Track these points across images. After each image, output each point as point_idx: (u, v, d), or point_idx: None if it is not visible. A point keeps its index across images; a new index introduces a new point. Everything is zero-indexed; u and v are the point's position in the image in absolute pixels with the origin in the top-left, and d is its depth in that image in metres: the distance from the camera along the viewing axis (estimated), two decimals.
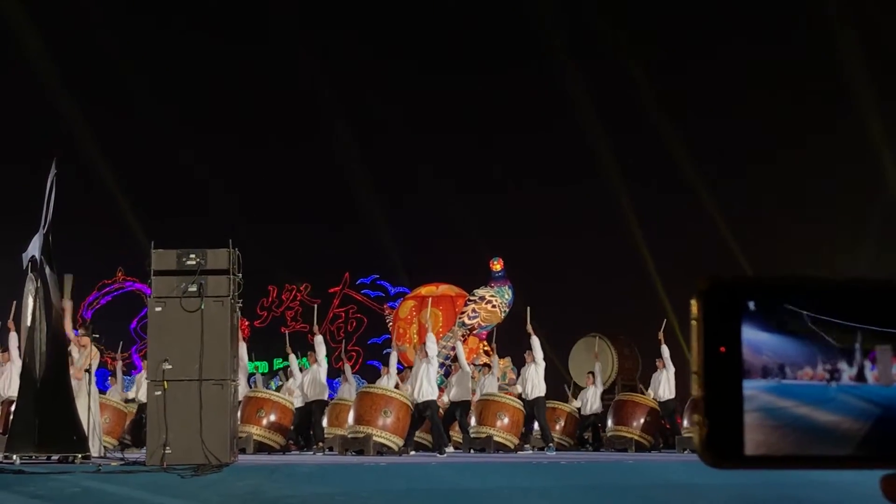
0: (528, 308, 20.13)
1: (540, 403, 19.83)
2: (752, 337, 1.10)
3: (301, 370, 21.02)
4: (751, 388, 1.09)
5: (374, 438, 17.08)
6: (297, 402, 19.93)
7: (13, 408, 14.39)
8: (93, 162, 30.30)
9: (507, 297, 27.42)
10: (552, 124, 31.24)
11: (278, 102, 32.78)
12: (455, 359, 21.03)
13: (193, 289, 12.31)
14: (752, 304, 1.12)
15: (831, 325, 1.11)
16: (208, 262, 12.49)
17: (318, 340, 20.09)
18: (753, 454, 1.12)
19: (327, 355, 31.59)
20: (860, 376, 1.12)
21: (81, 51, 31.11)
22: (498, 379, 23.08)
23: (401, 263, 32.38)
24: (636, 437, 20.54)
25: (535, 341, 19.93)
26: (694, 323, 1.14)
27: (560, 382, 23.95)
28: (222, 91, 32.58)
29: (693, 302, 1.14)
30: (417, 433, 18.80)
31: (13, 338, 18.08)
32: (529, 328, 19.93)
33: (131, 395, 21.28)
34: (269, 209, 32.31)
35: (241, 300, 12.92)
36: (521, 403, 19.80)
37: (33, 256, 13.36)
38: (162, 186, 31.64)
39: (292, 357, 21.52)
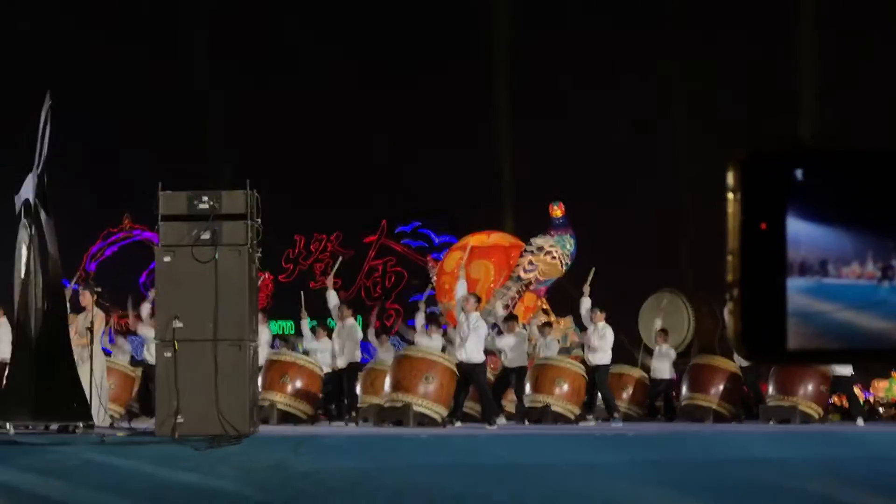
0: (593, 269, 20.10)
1: (603, 369, 19.80)
2: (792, 226, 1.06)
3: (330, 334, 20.87)
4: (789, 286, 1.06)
5: (415, 408, 17.09)
6: (327, 368, 19.93)
7: (6, 370, 14.53)
8: (95, 94, 30.43)
9: (568, 247, 27.31)
10: None
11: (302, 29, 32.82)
12: (509, 318, 21.01)
13: (206, 236, 12.29)
14: (799, 175, 1.06)
15: (888, 204, 1.05)
16: (223, 205, 12.45)
17: (329, 295, 20.09)
18: (798, 348, 1.07)
19: (362, 314, 31.85)
20: None
21: None
22: (558, 341, 23.05)
23: (446, 209, 32.27)
24: (714, 407, 20.46)
25: (586, 303, 20.01)
26: (730, 196, 1.10)
27: (627, 344, 23.85)
28: (242, 19, 32.60)
29: (729, 171, 1.10)
30: (466, 402, 18.81)
31: None
32: (586, 288, 19.98)
33: (138, 356, 21.40)
34: (296, 148, 32.33)
35: (260, 249, 12.89)
36: (584, 369, 19.76)
37: (27, 200, 13.38)
38: (175, 122, 31.78)
39: (304, 323, 21.48)
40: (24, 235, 13.42)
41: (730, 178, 1.08)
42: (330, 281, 20.37)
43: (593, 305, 20.29)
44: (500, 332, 20.56)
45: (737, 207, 1.06)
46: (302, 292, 22.80)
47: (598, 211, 29.24)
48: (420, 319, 21.01)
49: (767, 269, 1.06)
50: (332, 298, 20.32)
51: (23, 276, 13.27)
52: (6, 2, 31.11)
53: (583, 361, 20.15)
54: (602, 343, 19.74)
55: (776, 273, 1.06)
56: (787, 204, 1.06)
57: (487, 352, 19.11)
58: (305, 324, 21.50)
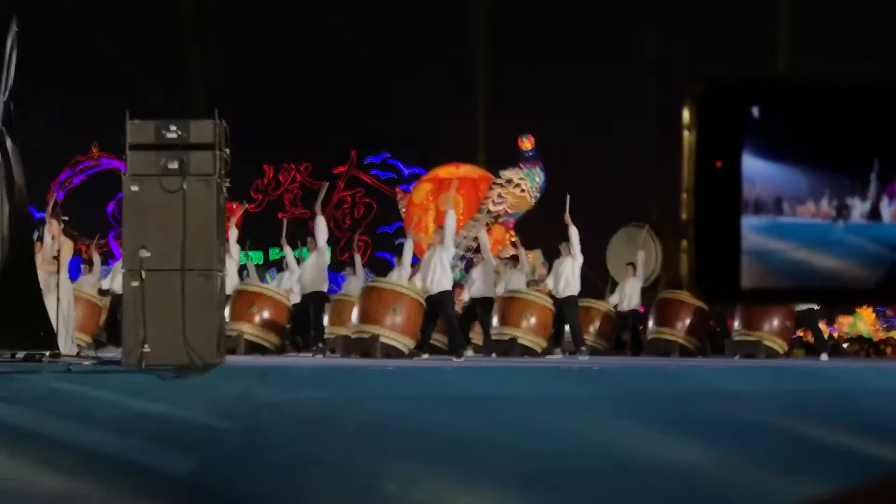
0: (568, 196, 20.02)
1: (571, 302, 19.82)
2: (747, 163, 1.06)
3: (299, 263, 20.89)
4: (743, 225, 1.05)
5: (382, 339, 17.14)
6: (295, 298, 19.94)
7: None
8: (67, 21, 30.19)
9: (538, 180, 27.35)
10: None
11: None
12: (477, 250, 21.03)
13: (174, 165, 12.25)
14: (755, 112, 1.06)
15: (847, 141, 1.04)
16: (191, 135, 12.40)
17: (320, 223, 19.87)
18: (751, 287, 1.07)
19: (330, 245, 31.86)
20: (874, 213, 1.07)
21: None
22: (526, 274, 23.10)
23: (415, 139, 32.21)
24: (681, 341, 20.58)
25: (574, 232, 19.82)
26: (686, 133, 1.09)
27: (595, 279, 23.89)
28: None
29: (685, 108, 1.09)
30: (433, 334, 18.86)
31: None
32: (568, 218, 19.83)
33: (105, 285, 21.38)
34: (262, 77, 32.17)
35: (228, 179, 12.86)
36: (551, 302, 19.81)
37: None
38: (145, 50, 31.56)
39: (287, 249, 21.47)
40: None
41: (685, 114, 1.08)
42: (318, 208, 20.28)
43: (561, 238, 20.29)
44: (467, 267, 20.60)
45: (692, 144, 1.06)
46: (285, 221, 22.85)
47: (568, 144, 29.20)
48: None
49: (722, 208, 1.06)
50: (322, 225, 20.12)
51: None
52: None
53: (550, 294, 20.19)
54: (572, 275, 19.77)
55: (730, 212, 1.06)
56: (743, 141, 1.06)
57: (454, 284, 19.14)
58: (289, 251, 21.44)
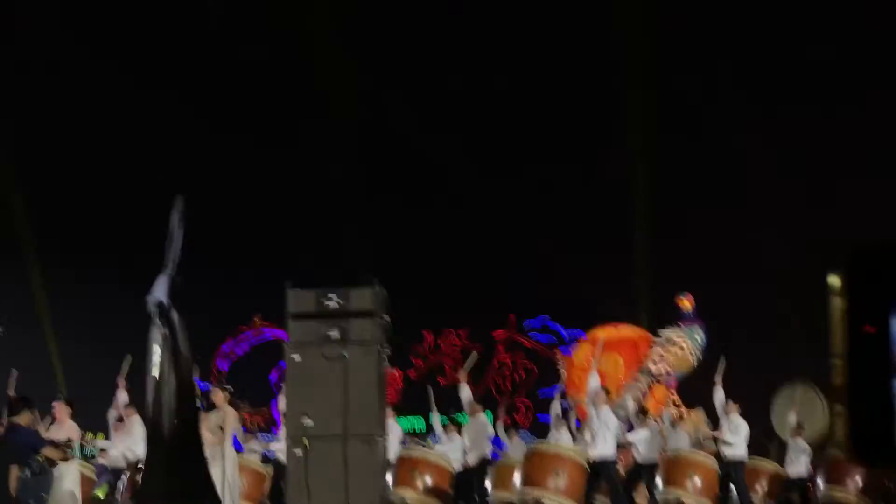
0: (722, 359, 19.87)
1: (738, 464, 19.57)
2: None
3: (460, 429, 20.91)
4: None
5: (546, 502, 17.01)
6: (458, 464, 19.90)
7: (141, 468, 14.76)
8: (225, 196, 31.01)
9: (698, 339, 27.13)
10: None
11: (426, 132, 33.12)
12: (639, 412, 20.86)
13: (335, 334, 12.42)
14: None
15: None
16: (351, 303, 12.60)
17: (463, 391, 20.09)
18: None
19: (491, 410, 31.79)
20: None
21: (211, 73, 31.99)
22: (689, 434, 22.80)
23: (574, 301, 32.19)
24: (853, 500, 20.03)
25: (719, 395, 19.78)
26: (836, 299, 1.11)
27: (762, 438, 23.46)
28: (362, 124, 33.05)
29: (834, 274, 1.11)
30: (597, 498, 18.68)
31: (122, 395, 18.75)
32: (718, 379, 19.74)
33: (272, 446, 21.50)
34: (420, 243, 32.54)
35: (389, 346, 12.99)
36: (716, 462, 19.51)
37: (159, 300, 13.63)
38: (301, 222, 32.18)
39: (435, 417, 21.51)
40: (156, 336, 13.65)
41: (834, 281, 1.11)
42: (463, 376, 20.38)
43: (727, 397, 20.09)
44: (631, 427, 20.43)
45: (842, 310, 1.08)
46: (430, 387, 22.89)
47: (727, 301, 28.95)
48: (556, 408, 20.98)
49: (874, 372, 1.08)
50: (466, 393, 20.33)
51: (156, 375, 13.49)
52: (141, 107, 31.85)
53: (716, 454, 19.89)
54: (736, 437, 19.55)
55: (883, 375, 1.08)
56: (893, 305, 1.08)
57: (619, 446, 18.97)
58: (437, 420, 21.55)
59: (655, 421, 22.12)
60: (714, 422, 21.32)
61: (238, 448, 20.28)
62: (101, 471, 19.89)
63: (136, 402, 17.81)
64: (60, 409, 17.24)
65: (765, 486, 21.43)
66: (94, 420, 24.55)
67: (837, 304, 1.10)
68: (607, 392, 19.38)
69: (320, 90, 32.31)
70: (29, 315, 31.71)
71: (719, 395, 19.88)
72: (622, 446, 19.84)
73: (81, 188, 31.59)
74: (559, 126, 32.17)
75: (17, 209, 31.21)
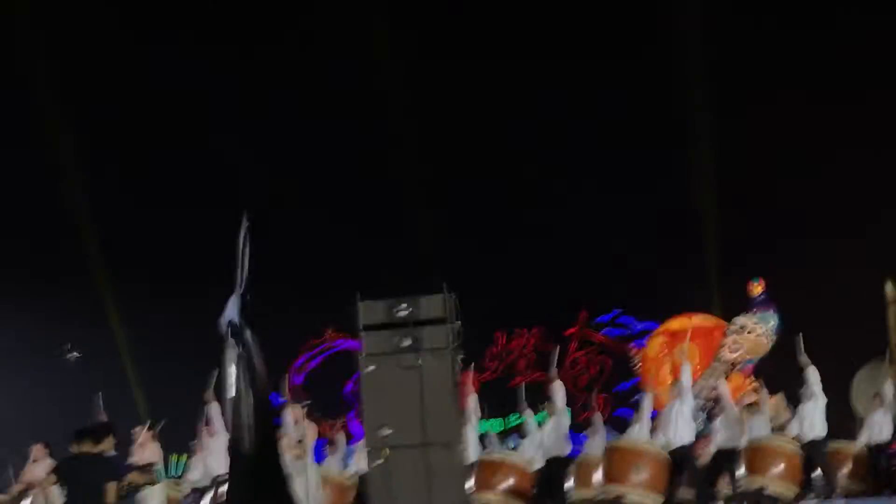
0: (800, 336, 19.74)
1: (818, 445, 19.45)
2: None
3: (539, 426, 20.97)
4: None
5: (628, 497, 17.01)
6: (538, 464, 19.93)
7: (222, 487, 14.90)
8: (290, 210, 31.18)
9: (772, 323, 27.01)
10: None
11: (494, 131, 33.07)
12: (717, 400, 20.80)
13: (408, 343, 12.49)
14: None
15: None
16: (422, 311, 12.67)
17: (557, 388, 20.06)
18: None
19: (569, 407, 31.75)
20: None
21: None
22: (770, 420, 22.69)
23: (645, 293, 32.08)
24: None
25: (811, 372, 19.57)
26: (893, 307, 1.15)
27: (843, 418, 23.25)
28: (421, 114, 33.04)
29: (890, 284, 1.16)
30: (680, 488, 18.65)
31: (215, 409, 18.90)
32: (802, 359, 19.57)
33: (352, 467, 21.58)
34: (485, 245, 32.55)
35: (462, 351, 13.04)
36: (798, 446, 19.40)
37: (231, 320, 13.75)
38: (371, 228, 32.31)
39: (528, 413, 21.51)
40: (231, 355, 13.78)
41: (889, 291, 1.16)
42: (554, 372, 20.41)
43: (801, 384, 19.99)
44: (709, 417, 20.38)
45: None
46: (522, 384, 22.98)
47: (800, 286, 28.73)
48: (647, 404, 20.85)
49: None
50: (560, 393, 20.31)
51: (233, 394, 13.62)
52: (214, 128, 32.07)
53: (796, 439, 19.77)
54: (814, 423, 19.47)
55: None
56: None
57: (698, 435, 18.94)
58: (530, 415, 21.50)
59: (737, 408, 22.09)
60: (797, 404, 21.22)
61: (319, 460, 20.45)
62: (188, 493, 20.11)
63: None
64: (142, 434, 17.44)
65: (850, 468, 21.25)
66: (176, 442, 24.87)
67: (893, 312, 1.15)
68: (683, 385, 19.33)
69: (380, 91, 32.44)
70: (106, 341, 32.04)
71: (811, 372, 19.67)
72: (701, 435, 19.80)
73: (151, 211, 31.88)
74: (627, 120, 32.08)
75: (89, 234, 31.54)
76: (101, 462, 12.79)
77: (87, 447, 12.75)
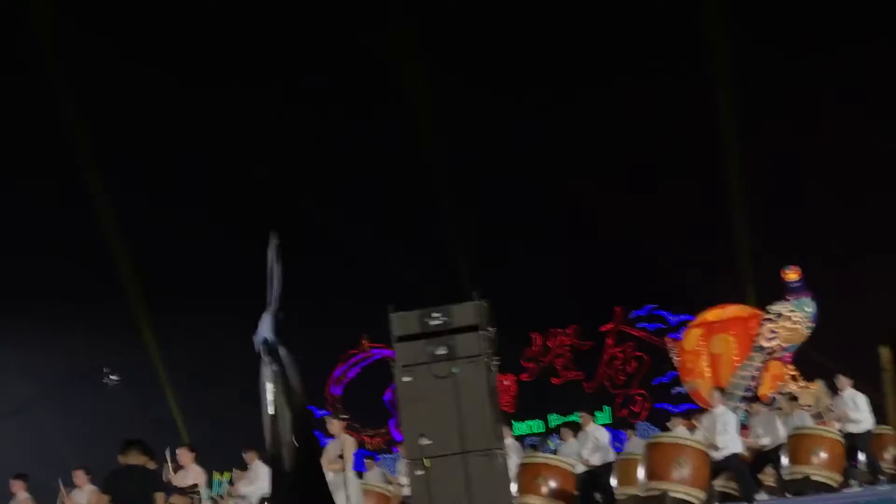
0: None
1: (863, 436, 19.44)
2: None
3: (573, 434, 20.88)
4: None
5: (671, 494, 16.98)
6: (581, 466, 19.88)
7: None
8: (315, 217, 31.23)
9: (808, 309, 27.00)
10: None
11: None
12: (756, 400, 20.78)
13: (442, 351, 12.50)
14: None
15: None
16: (454, 319, 12.66)
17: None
18: None
19: (608, 404, 31.77)
20: None
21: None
22: (809, 406, 22.62)
23: (679, 286, 31.94)
24: None
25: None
26: (887, 374, 1.16)
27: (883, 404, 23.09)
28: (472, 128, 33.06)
29: (883, 349, 1.16)
30: (720, 482, 18.62)
31: None
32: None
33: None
34: (518, 246, 32.49)
35: (497, 357, 13.04)
36: (840, 434, 19.33)
37: (265, 338, 13.80)
38: (401, 236, 32.30)
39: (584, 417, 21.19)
40: (266, 373, 13.82)
41: (883, 355, 1.16)
42: None
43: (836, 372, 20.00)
44: (747, 409, 20.38)
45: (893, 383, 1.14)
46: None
47: (836, 268, 28.57)
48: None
49: None
50: None
51: (271, 412, 13.67)
52: (244, 147, 32.15)
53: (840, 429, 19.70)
54: (858, 413, 19.43)
55: None
56: None
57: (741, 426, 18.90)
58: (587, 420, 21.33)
59: (772, 399, 22.05)
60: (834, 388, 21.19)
61: (361, 470, 20.49)
62: None
63: (256, 443, 17.95)
64: (184, 455, 17.50)
65: (893, 453, 21.17)
66: (218, 461, 24.94)
67: (889, 378, 1.15)
68: (722, 391, 19.32)
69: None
70: (144, 364, 32.19)
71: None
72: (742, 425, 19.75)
73: (182, 231, 31.97)
74: (653, 114, 31.99)
75: (122, 257, 31.70)
76: (148, 474, 12.86)
77: (133, 458, 12.79)
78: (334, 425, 15.78)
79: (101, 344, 32.37)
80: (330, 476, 14.44)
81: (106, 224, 31.50)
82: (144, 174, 32.14)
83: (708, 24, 30.06)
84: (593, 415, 20.93)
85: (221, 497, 21.73)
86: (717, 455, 17.37)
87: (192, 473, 17.17)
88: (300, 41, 32.33)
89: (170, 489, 14.25)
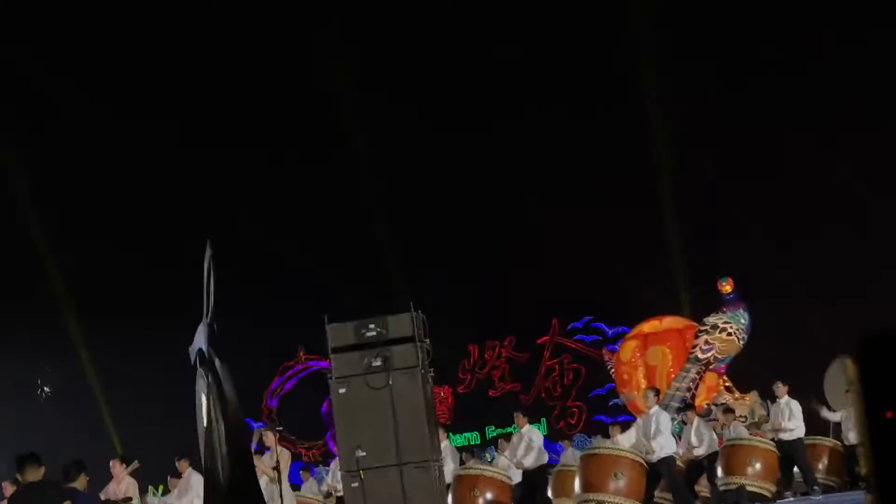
0: None
1: (798, 443, 19.55)
2: None
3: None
4: None
5: None
6: (517, 477, 19.85)
7: None
8: (254, 235, 31.14)
9: (743, 321, 27.14)
10: None
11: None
12: (691, 403, 20.82)
13: (378, 363, 12.44)
14: None
15: None
16: (390, 330, 12.60)
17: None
18: None
19: (545, 416, 31.82)
20: None
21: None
22: (745, 417, 22.75)
23: (615, 299, 32.12)
24: None
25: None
26: (854, 387, 1.14)
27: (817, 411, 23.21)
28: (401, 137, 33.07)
29: (848, 362, 1.14)
30: (656, 493, 18.66)
31: None
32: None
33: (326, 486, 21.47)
34: (454, 259, 32.53)
35: (432, 369, 12.98)
36: (774, 445, 19.44)
37: (200, 349, 13.69)
38: (335, 250, 32.27)
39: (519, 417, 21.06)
40: (201, 385, 13.70)
41: (850, 371, 1.15)
42: None
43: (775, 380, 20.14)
44: (683, 420, 20.45)
45: (860, 397, 1.12)
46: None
47: (767, 278, 28.84)
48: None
49: None
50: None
51: (205, 424, 13.56)
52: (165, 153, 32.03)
53: (773, 440, 19.81)
54: (793, 422, 19.55)
55: None
56: None
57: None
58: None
59: (708, 408, 22.14)
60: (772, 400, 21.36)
61: (297, 482, 20.39)
62: None
63: (189, 454, 17.81)
64: (117, 467, 17.32)
65: (826, 463, 21.31)
66: (152, 476, 24.75)
67: (856, 392, 1.14)
68: (657, 392, 19.34)
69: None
70: (78, 379, 31.96)
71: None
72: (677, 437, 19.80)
73: (115, 246, 31.81)
74: (591, 134, 32.18)
75: (54, 275, 31.47)
76: (51, 488, 12.53)
77: (31, 475, 12.45)
78: (269, 437, 15.67)
79: (36, 357, 32.11)
80: (263, 484, 14.31)
81: (38, 238, 31.27)
82: (68, 188, 32.03)
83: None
84: (528, 417, 20.81)
85: None
86: (653, 458, 17.38)
87: (124, 486, 16.99)
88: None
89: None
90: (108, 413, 32.06)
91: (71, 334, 31.66)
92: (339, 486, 19.93)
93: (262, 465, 15.12)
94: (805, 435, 20.18)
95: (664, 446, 17.50)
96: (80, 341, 31.82)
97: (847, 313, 27.78)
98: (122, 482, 17.08)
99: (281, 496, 14.30)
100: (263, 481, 14.46)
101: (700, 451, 19.14)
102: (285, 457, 15.35)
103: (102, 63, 32.46)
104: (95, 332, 31.59)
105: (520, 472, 19.86)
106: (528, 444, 19.78)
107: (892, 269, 27.67)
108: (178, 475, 19.28)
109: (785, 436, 19.56)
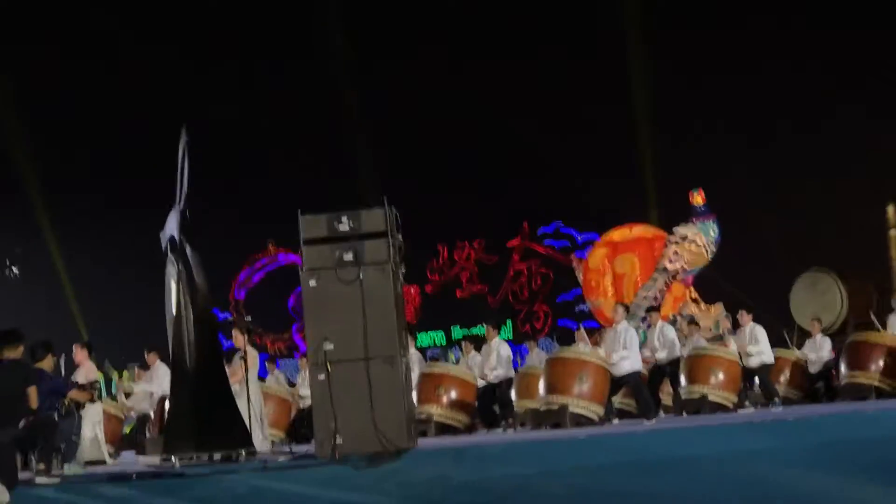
0: None
1: (765, 368, 19.75)
2: None
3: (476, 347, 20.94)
4: None
5: (571, 409, 17.11)
6: (481, 382, 19.91)
7: (166, 402, 14.83)
8: (226, 123, 30.90)
9: (712, 234, 27.14)
10: None
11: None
12: (657, 310, 20.88)
13: (349, 257, 12.39)
14: None
15: None
16: (363, 225, 12.51)
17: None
18: None
19: (511, 318, 31.91)
20: None
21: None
22: (710, 329, 22.85)
23: (586, 205, 32.09)
24: (876, 383, 19.98)
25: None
26: (893, 232, 1.11)
27: (780, 327, 23.37)
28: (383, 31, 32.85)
29: (891, 207, 1.12)
30: (619, 398, 18.79)
31: None
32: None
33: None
34: (427, 158, 32.44)
35: (403, 265, 12.96)
36: (738, 355, 19.54)
37: (171, 236, 13.66)
38: (312, 142, 32.13)
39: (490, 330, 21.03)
40: (171, 271, 13.70)
41: (891, 213, 1.12)
42: None
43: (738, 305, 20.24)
44: (649, 324, 20.50)
45: None
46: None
47: (741, 192, 28.84)
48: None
49: None
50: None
51: (174, 311, 13.55)
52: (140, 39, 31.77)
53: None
54: (757, 346, 19.65)
55: None
56: None
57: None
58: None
59: (674, 318, 22.23)
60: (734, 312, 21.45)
61: (263, 375, 20.42)
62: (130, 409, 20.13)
63: (158, 345, 17.76)
64: (80, 352, 17.29)
65: (787, 376, 21.46)
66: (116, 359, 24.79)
67: (894, 234, 1.11)
68: (627, 307, 19.40)
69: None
70: (44, 262, 31.82)
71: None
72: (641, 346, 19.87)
73: (87, 125, 31.54)
74: (560, 29, 32.03)
75: (22, 152, 31.26)
76: (21, 368, 12.49)
77: (9, 353, 12.42)
78: (238, 338, 15.62)
79: (3, 236, 31.95)
80: (233, 384, 14.31)
81: (4, 112, 30.98)
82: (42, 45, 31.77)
83: None
84: (498, 329, 20.81)
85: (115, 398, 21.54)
86: (617, 372, 17.48)
87: (86, 370, 16.96)
88: None
89: (64, 392, 14.03)
90: (74, 299, 31.94)
91: (38, 216, 31.46)
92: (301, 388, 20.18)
93: (231, 369, 15.08)
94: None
95: (630, 361, 17.60)
96: (46, 222, 31.63)
97: (816, 231, 27.93)
98: (84, 366, 17.05)
99: (247, 386, 14.31)
100: (235, 387, 14.44)
101: (662, 356, 19.21)
102: (252, 356, 15.29)
103: None
104: (63, 211, 31.41)
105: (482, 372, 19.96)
106: (496, 358, 19.84)
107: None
108: (146, 366, 19.30)
109: (751, 361, 19.67)
